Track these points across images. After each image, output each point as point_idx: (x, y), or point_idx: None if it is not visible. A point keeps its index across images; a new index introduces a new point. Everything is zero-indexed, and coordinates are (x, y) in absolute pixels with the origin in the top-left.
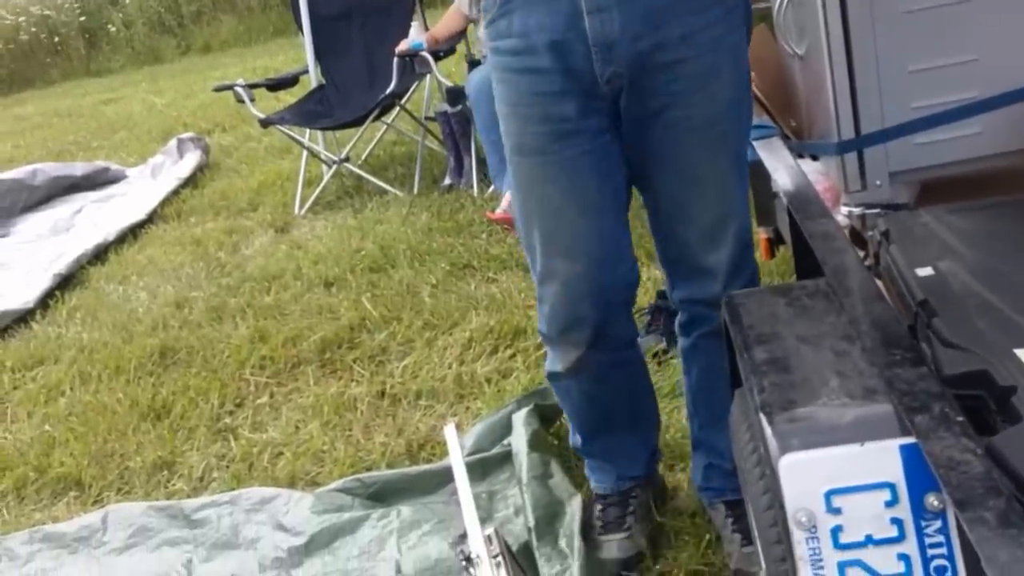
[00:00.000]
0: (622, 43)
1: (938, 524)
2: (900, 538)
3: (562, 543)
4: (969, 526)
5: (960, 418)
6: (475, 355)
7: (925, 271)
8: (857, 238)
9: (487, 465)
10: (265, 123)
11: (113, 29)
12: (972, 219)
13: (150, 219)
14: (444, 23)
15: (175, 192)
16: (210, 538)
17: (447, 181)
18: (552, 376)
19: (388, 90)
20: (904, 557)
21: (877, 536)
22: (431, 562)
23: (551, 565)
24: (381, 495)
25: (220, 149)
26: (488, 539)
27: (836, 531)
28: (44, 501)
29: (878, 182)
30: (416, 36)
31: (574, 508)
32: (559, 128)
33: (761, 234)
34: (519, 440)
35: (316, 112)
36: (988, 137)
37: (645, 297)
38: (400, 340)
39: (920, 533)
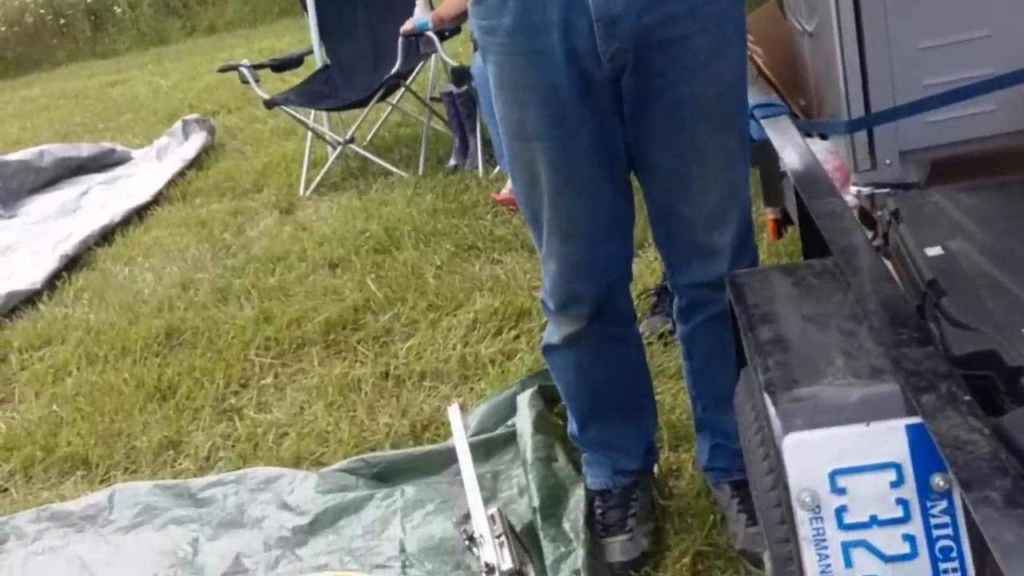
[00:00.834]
0: (626, 17)
1: (944, 504)
2: (905, 518)
3: (566, 526)
4: (975, 506)
5: (967, 398)
6: (479, 336)
7: (934, 251)
8: (866, 218)
9: (491, 446)
10: (270, 104)
11: (119, 11)
12: (983, 198)
13: (156, 200)
14: (449, 2)
15: (181, 173)
16: (216, 517)
17: (452, 162)
18: (548, 349)
19: (393, 70)
20: (909, 537)
21: (882, 516)
22: (435, 541)
23: (555, 546)
24: (385, 475)
25: (225, 130)
26: (491, 519)
27: (840, 511)
28: (51, 480)
29: (888, 161)
30: (421, 15)
31: (578, 493)
32: (559, 112)
33: (768, 214)
34: (523, 421)
35: (321, 93)
36: (1002, 115)
37: (652, 278)
38: (404, 321)
39: (925, 513)
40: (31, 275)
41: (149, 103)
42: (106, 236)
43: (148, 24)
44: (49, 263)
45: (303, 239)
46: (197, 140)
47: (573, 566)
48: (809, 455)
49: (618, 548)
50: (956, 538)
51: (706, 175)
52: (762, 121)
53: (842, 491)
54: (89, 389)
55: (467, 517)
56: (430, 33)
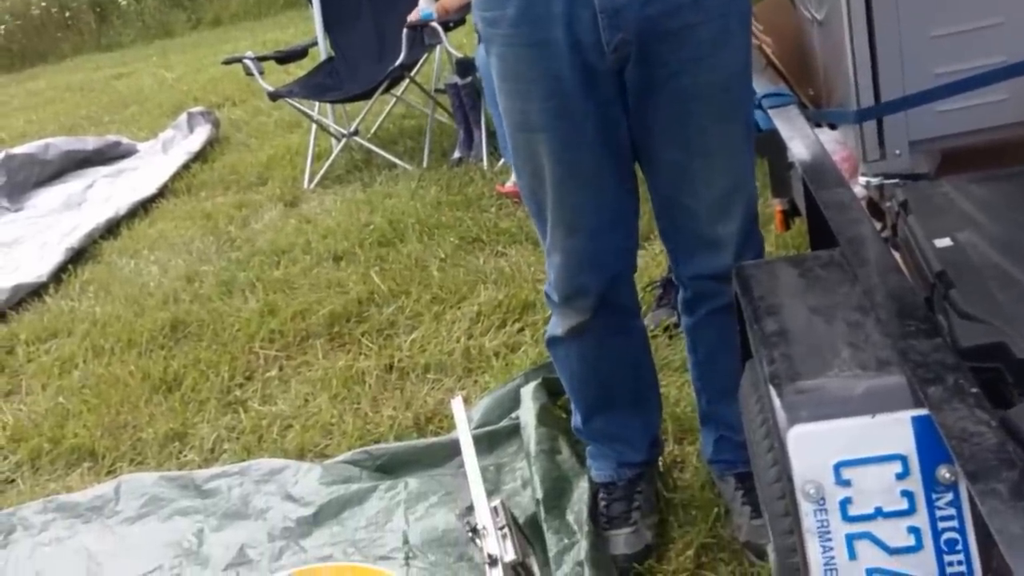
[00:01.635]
0: (630, 8)
1: (949, 497)
2: (911, 511)
3: (570, 518)
4: (981, 498)
5: (974, 390)
6: (483, 329)
7: (943, 242)
8: (875, 209)
9: (495, 438)
10: (274, 96)
11: (124, 3)
12: (993, 189)
13: (161, 193)
14: None
15: (186, 166)
16: (221, 508)
17: (457, 154)
18: (552, 341)
19: (397, 62)
20: (914, 530)
21: (887, 508)
22: (438, 533)
23: (559, 538)
24: (389, 467)
25: (230, 123)
26: (495, 511)
27: (845, 503)
28: (58, 471)
29: (898, 151)
30: (426, 6)
31: (582, 485)
32: (563, 103)
33: (776, 205)
34: (527, 413)
35: (325, 85)
36: (1014, 104)
37: (658, 270)
38: (408, 314)
39: (931, 506)
40: (37, 268)
41: (154, 96)
42: (111, 229)
43: (153, 17)
44: (55, 256)
45: (307, 232)
46: (202, 133)
47: (576, 558)
48: (814, 447)
49: (622, 541)
50: (962, 530)
51: (710, 167)
52: (770, 111)
53: (847, 483)
54: (95, 381)
55: (470, 509)
56: (435, 24)
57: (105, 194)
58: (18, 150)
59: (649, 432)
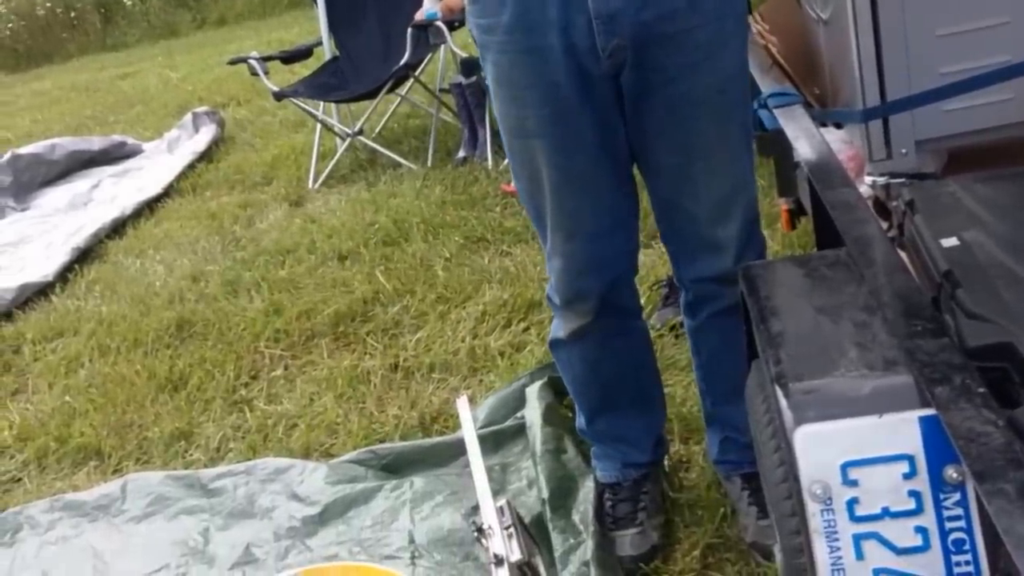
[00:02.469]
0: (625, 13)
1: (957, 497)
2: (918, 511)
3: (575, 518)
4: (988, 498)
5: (982, 389)
6: (488, 328)
7: (950, 241)
8: (881, 208)
9: (500, 437)
10: (279, 96)
11: (129, 3)
12: (1000, 188)
13: (166, 193)
14: None
15: (191, 166)
16: (226, 507)
17: (461, 154)
18: (555, 344)
19: (402, 62)
20: (922, 530)
21: (894, 508)
22: (444, 532)
23: (564, 538)
24: (394, 466)
25: (235, 123)
26: (500, 510)
27: (852, 503)
28: (65, 470)
29: (904, 151)
30: (430, 6)
31: (588, 485)
32: (559, 109)
33: (782, 205)
34: (533, 413)
35: (330, 85)
36: (1019, 103)
37: (663, 269)
38: (413, 313)
39: (938, 506)
40: (43, 267)
41: (159, 96)
42: (117, 229)
43: (158, 17)
44: (61, 256)
45: (312, 231)
46: (207, 133)
47: (582, 558)
48: (821, 447)
49: (628, 542)
50: (969, 530)
51: (709, 170)
52: (776, 110)
53: (854, 483)
54: (101, 380)
55: (476, 508)
56: (439, 24)
57: (111, 194)
58: (24, 150)
59: (653, 432)
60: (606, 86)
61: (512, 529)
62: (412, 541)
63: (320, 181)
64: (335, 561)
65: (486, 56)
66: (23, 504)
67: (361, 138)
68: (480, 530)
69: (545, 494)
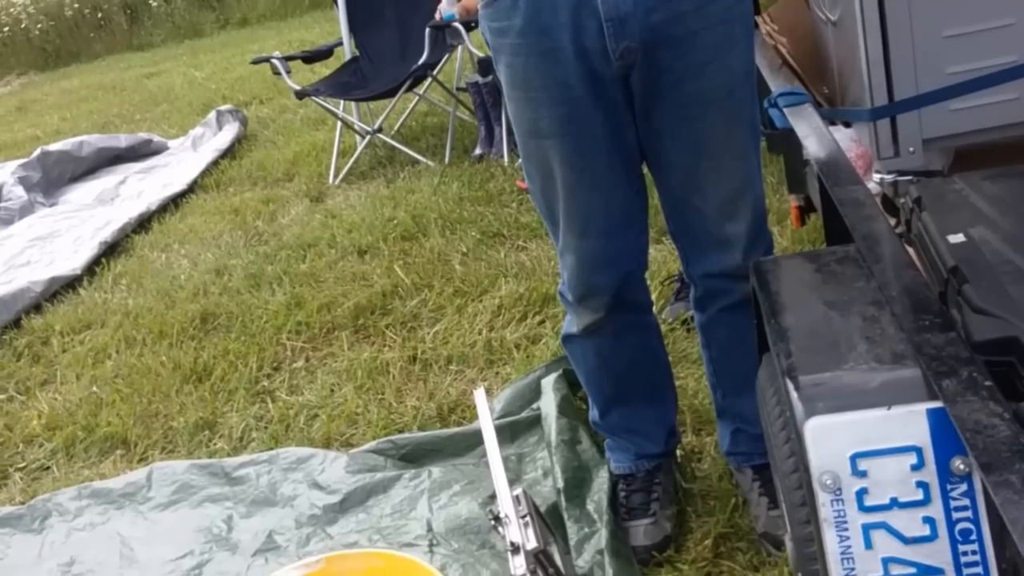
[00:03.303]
0: (635, 16)
1: (964, 487)
2: (925, 501)
3: (590, 507)
4: (995, 489)
5: (988, 383)
6: (504, 322)
7: (957, 238)
8: (889, 206)
9: (516, 428)
10: (301, 95)
11: (154, 4)
12: (1006, 185)
13: (191, 189)
14: None
15: (215, 163)
16: (249, 495)
17: (478, 151)
18: (568, 339)
19: (420, 61)
20: (929, 520)
21: (902, 499)
22: (461, 521)
23: (579, 527)
24: (413, 456)
25: (257, 121)
26: (516, 499)
27: (861, 493)
28: (92, 459)
29: (911, 149)
30: (448, 7)
31: (602, 475)
32: (571, 110)
33: (792, 202)
34: (548, 404)
35: (350, 84)
36: None
37: (675, 264)
38: (431, 307)
39: (945, 496)
40: (72, 261)
41: (184, 94)
42: (143, 223)
43: (183, 17)
44: (89, 249)
45: (333, 226)
46: (230, 130)
47: (597, 546)
48: (831, 438)
49: (641, 532)
50: (976, 520)
51: (717, 168)
52: (786, 110)
53: (863, 474)
54: (128, 371)
55: (493, 498)
56: (457, 24)
57: (137, 190)
58: (53, 147)
59: (665, 424)
60: (617, 87)
61: (528, 518)
62: (430, 529)
63: (340, 177)
64: (355, 548)
65: (499, 59)
66: (52, 492)
67: (380, 135)
68: (497, 518)
69: (560, 484)
